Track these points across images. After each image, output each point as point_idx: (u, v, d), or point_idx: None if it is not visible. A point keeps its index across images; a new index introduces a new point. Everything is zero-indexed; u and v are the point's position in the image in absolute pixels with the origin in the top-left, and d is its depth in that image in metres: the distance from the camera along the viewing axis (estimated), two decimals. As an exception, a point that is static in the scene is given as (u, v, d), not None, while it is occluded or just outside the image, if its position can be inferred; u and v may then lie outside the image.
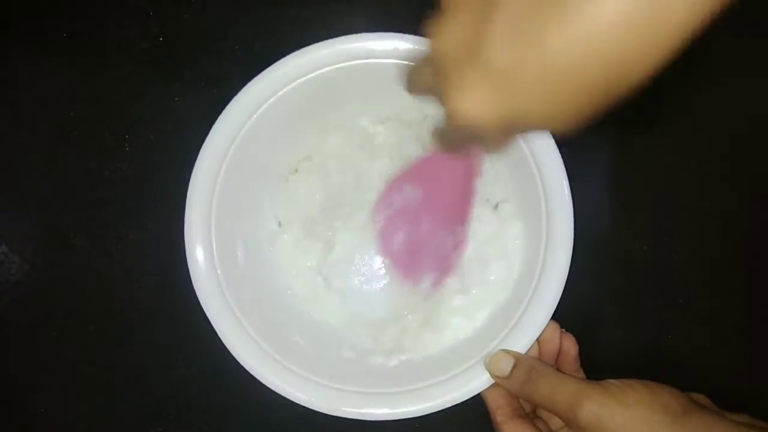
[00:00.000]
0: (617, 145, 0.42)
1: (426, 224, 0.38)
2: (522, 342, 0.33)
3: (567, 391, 0.30)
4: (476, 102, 0.19)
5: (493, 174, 0.38)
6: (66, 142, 0.42)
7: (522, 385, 0.32)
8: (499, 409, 0.33)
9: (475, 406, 0.34)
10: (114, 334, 0.41)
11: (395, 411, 0.33)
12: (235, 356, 0.34)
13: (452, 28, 0.20)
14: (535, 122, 0.20)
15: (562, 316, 0.36)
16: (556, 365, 0.36)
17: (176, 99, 0.42)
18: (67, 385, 0.41)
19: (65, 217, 0.42)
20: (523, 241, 0.37)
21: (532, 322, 0.33)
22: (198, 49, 0.43)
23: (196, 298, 0.34)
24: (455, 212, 0.37)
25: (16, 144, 0.43)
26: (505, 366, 0.32)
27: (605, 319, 0.41)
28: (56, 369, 0.41)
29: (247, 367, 0.34)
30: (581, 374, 0.36)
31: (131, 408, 0.41)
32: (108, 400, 0.41)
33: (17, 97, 0.43)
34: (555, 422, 0.34)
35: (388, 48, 0.34)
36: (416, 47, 0.34)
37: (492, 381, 0.33)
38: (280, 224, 0.39)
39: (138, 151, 0.42)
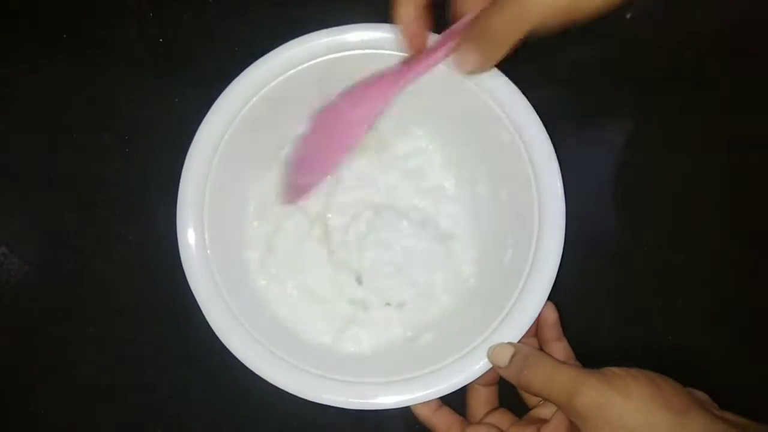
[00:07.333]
0: (617, 145, 0.42)
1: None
2: (513, 333, 0.33)
3: (565, 377, 0.29)
4: None
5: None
6: (66, 143, 0.42)
7: (519, 373, 0.31)
8: (452, 427, 0.35)
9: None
10: (114, 334, 0.41)
11: (401, 398, 0.33)
12: (221, 338, 0.34)
13: None
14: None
15: (561, 316, 0.36)
16: (538, 335, 0.36)
17: (176, 99, 0.42)
18: (67, 385, 0.41)
19: (65, 217, 0.42)
20: (516, 231, 0.37)
21: (524, 312, 0.33)
22: (198, 50, 0.43)
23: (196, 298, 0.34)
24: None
25: (16, 144, 0.43)
26: (506, 355, 0.32)
27: (604, 320, 0.41)
28: (56, 369, 0.41)
29: (231, 349, 0.33)
30: (564, 341, 0.36)
31: (131, 408, 0.41)
32: (108, 400, 0.41)
33: (17, 97, 0.43)
34: None
35: (380, 38, 0.35)
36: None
37: (486, 367, 0.33)
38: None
39: (138, 152, 0.42)
